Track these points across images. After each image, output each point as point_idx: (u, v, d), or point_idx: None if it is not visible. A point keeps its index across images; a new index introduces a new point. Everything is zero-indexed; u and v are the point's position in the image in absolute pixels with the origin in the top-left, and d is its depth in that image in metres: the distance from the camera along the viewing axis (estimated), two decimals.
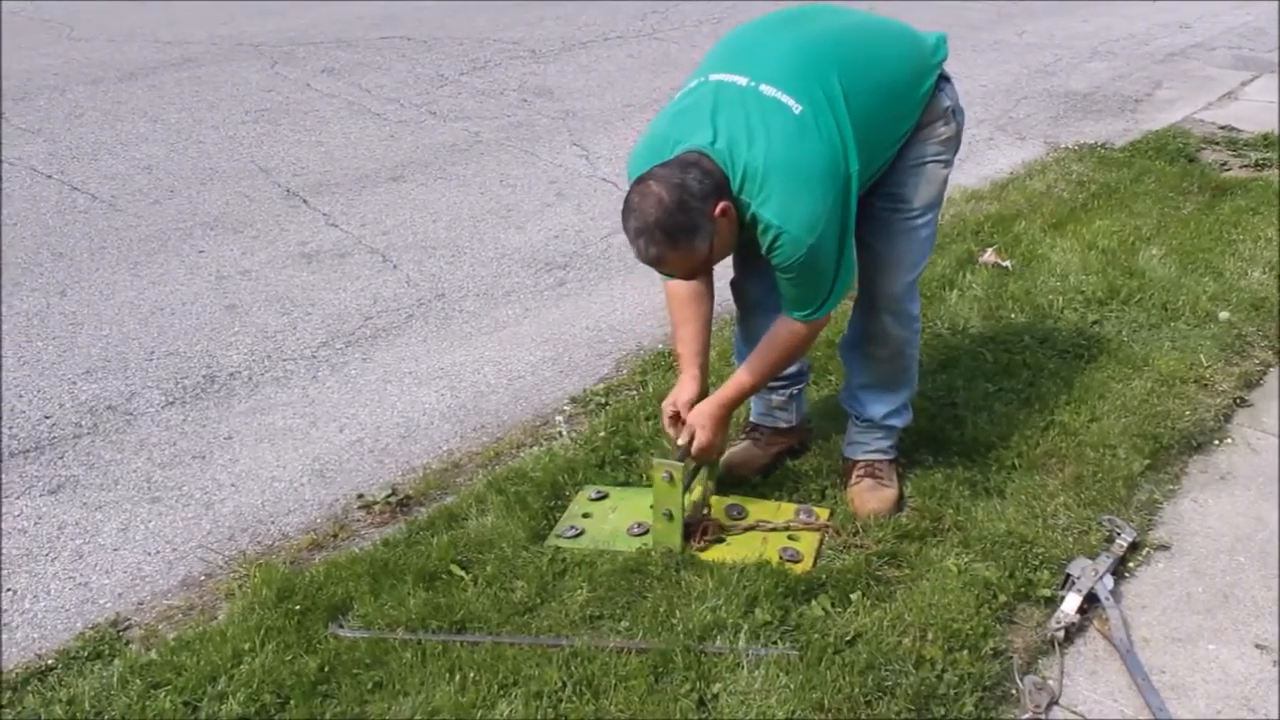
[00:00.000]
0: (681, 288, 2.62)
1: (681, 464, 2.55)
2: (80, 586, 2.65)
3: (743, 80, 2.34)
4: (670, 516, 2.57)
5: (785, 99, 2.30)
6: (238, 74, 7.00)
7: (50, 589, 2.64)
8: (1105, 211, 4.81)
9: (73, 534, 2.83)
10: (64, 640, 2.45)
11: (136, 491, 3.00)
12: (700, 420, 2.58)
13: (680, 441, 2.61)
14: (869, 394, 2.83)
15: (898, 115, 2.50)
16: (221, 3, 9.05)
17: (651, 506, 2.61)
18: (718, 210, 2.25)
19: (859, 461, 2.85)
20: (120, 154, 5.56)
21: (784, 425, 2.99)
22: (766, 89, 2.31)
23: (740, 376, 2.59)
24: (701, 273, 2.50)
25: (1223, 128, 6.25)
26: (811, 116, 2.29)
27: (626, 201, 2.28)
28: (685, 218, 2.23)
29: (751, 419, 3.05)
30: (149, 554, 2.76)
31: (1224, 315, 3.75)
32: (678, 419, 2.65)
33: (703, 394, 2.65)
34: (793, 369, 2.85)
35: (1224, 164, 5.61)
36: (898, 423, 2.86)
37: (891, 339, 2.71)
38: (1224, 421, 3.22)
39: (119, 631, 2.48)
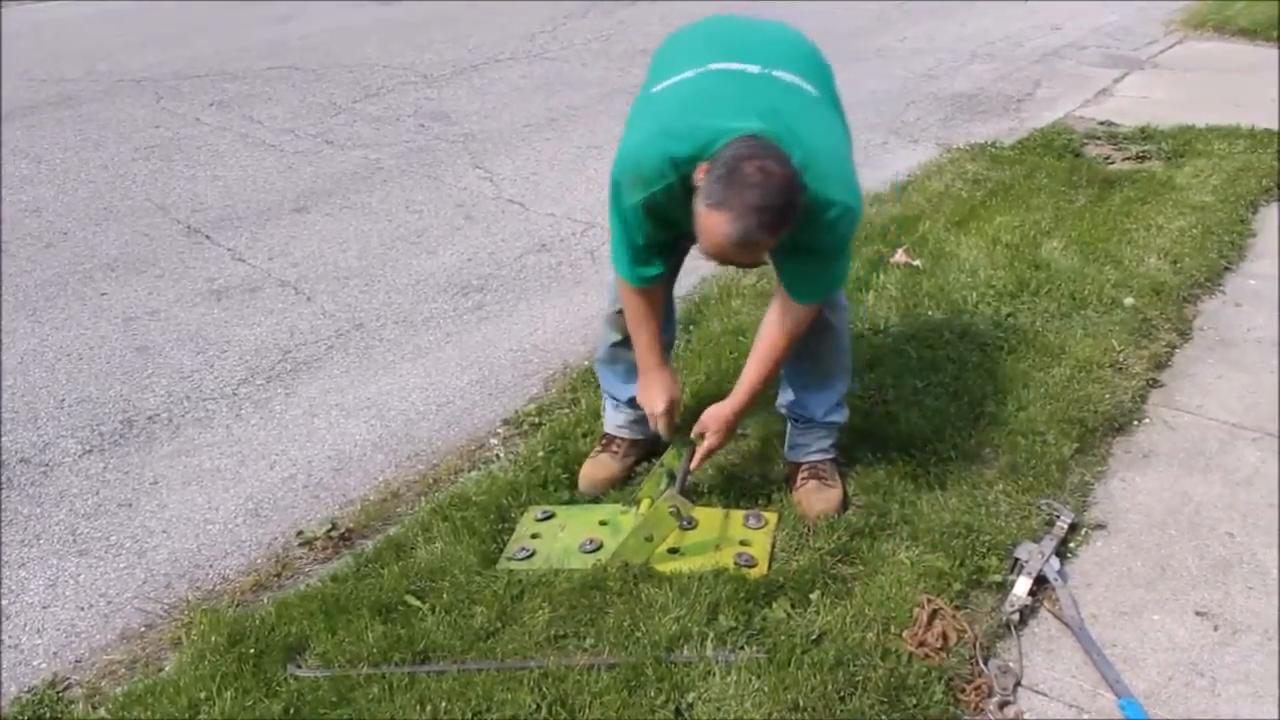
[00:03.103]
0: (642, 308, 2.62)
1: (690, 502, 2.59)
2: (11, 649, 2.53)
3: (754, 68, 2.34)
4: (650, 539, 2.58)
5: (800, 82, 2.35)
6: (122, 110, 6.76)
7: None
8: (1004, 208, 4.96)
9: None
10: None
11: (61, 545, 2.88)
12: (716, 425, 2.63)
13: (691, 435, 2.67)
14: (809, 394, 2.86)
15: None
16: (97, 37, 8.77)
17: (631, 528, 2.65)
18: None
19: (803, 464, 2.89)
20: (4, 197, 5.32)
21: (640, 437, 2.99)
22: (780, 74, 2.34)
23: (751, 383, 2.60)
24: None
25: (1102, 123, 6.50)
26: (822, 96, 2.38)
27: (740, 174, 2.11)
28: (796, 205, 2.18)
29: (608, 430, 3.04)
30: (82, 609, 2.65)
31: (1129, 301, 3.90)
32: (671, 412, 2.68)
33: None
34: None
35: (1107, 158, 5.83)
36: (838, 418, 2.90)
37: (831, 330, 2.75)
38: (1140, 402, 3.35)
39: (59, 692, 2.37)
